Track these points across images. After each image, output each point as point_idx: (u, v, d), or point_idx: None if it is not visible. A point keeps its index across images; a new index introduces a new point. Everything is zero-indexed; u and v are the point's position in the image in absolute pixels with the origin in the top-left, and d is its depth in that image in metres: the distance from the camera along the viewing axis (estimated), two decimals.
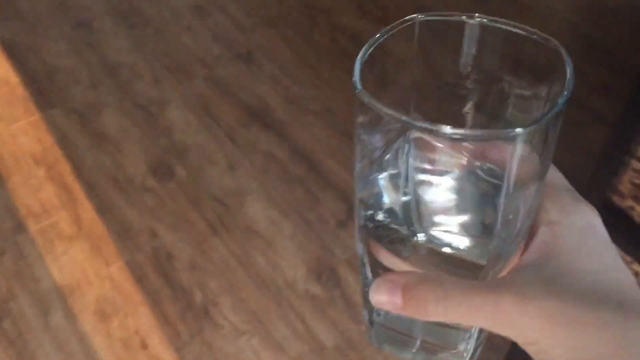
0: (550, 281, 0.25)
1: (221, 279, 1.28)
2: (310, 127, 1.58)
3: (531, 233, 0.28)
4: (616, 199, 0.75)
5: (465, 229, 0.28)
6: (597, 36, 1.83)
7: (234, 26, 1.85)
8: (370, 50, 0.27)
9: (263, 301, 1.25)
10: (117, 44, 1.80)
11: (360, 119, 0.26)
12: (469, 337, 0.30)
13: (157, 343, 1.19)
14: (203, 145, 1.54)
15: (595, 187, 0.76)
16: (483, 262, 0.27)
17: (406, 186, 0.28)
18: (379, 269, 0.29)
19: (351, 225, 1.37)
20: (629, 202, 0.74)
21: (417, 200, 0.28)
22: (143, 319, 1.22)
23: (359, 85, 0.25)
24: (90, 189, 1.43)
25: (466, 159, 0.27)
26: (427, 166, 0.27)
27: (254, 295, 1.26)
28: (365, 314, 0.32)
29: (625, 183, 0.73)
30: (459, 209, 0.29)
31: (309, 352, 1.18)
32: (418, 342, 0.31)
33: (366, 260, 0.30)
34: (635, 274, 0.76)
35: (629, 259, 0.76)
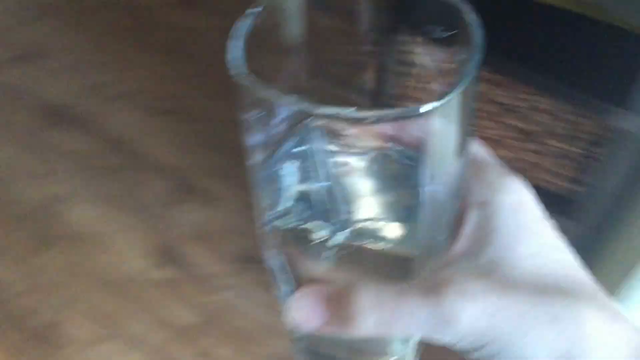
0: (488, 272, 0.23)
1: (62, 293, 1.21)
2: (117, 113, 1.50)
3: (460, 218, 0.25)
4: None
5: (387, 214, 0.25)
6: None
7: (13, 20, 1.70)
8: (247, 25, 0.22)
9: (111, 302, 1.20)
10: None
11: (246, 107, 0.22)
12: (406, 340, 0.27)
13: None
14: (4, 159, 1.42)
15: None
16: (413, 254, 0.25)
17: (316, 175, 0.24)
18: (298, 281, 0.25)
19: (179, 201, 1.34)
20: None
21: (331, 190, 0.24)
22: None
23: (239, 68, 0.20)
24: None
25: (378, 141, 0.24)
26: (336, 150, 0.24)
27: (100, 299, 1.20)
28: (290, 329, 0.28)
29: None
30: (378, 193, 0.26)
31: (173, 336, 1.16)
32: (348, 356, 0.27)
33: (280, 272, 0.26)
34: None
35: None
